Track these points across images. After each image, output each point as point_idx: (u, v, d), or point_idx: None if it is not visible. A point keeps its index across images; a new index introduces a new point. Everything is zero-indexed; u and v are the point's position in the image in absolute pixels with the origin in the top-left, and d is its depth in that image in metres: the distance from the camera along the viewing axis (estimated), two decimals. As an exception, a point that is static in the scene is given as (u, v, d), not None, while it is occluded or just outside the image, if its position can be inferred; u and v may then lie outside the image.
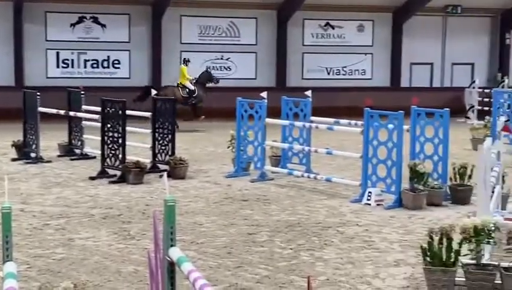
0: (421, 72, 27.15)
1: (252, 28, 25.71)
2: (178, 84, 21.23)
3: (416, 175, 10.50)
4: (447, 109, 11.11)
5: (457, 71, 27.37)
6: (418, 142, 11.24)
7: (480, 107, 23.53)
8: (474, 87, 24.45)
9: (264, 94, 12.80)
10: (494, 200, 8.16)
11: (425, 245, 6.66)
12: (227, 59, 25.67)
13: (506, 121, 10.43)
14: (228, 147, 13.59)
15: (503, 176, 9.61)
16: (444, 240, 6.57)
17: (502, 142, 9.35)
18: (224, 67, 25.70)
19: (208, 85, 21.62)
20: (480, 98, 23.79)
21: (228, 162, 13.70)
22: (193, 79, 21.35)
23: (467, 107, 24.36)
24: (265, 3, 25.29)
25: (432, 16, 26.68)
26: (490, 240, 6.55)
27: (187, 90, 21.03)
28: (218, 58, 25.59)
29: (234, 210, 10.11)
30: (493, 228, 6.52)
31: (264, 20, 25.64)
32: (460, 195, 10.62)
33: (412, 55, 26.78)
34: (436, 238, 6.61)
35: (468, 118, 23.61)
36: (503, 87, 23.42)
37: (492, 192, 7.93)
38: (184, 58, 22.37)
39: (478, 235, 6.44)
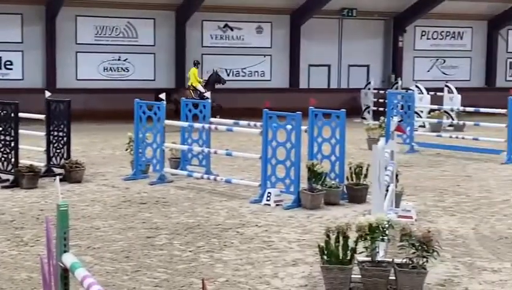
0: (319, 73, 27.68)
1: (150, 29, 25.50)
2: (189, 86, 21.68)
3: (314, 175, 10.68)
4: (344, 109, 11.36)
5: (354, 73, 28.07)
6: (315, 143, 11.44)
7: (375, 108, 24.22)
8: (369, 89, 25.14)
9: (162, 96, 12.70)
10: (388, 198, 8.41)
11: (322, 244, 6.78)
12: (124, 60, 25.35)
13: (399, 122, 10.75)
14: (126, 150, 13.41)
15: (396, 175, 9.93)
16: (341, 238, 6.71)
17: (395, 142, 9.66)
18: (122, 68, 25.36)
19: (216, 86, 22.09)
20: (375, 99, 24.49)
21: (126, 165, 13.52)
22: (204, 81, 21.93)
23: (363, 108, 25.03)
24: (164, 3, 25.13)
25: (328, 19, 27.24)
26: (384, 237, 6.73)
27: (198, 92, 21.35)
28: (115, 60, 25.23)
29: (132, 213, 9.98)
30: (387, 226, 6.71)
31: (162, 20, 25.48)
32: (356, 194, 10.88)
33: (310, 57, 27.25)
34: (333, 237, 6.74)
35: (364, 118, 24.25)
36: (396, 88, 24.17)
37: (387, 190, 8.18)
38: (194, 61, 22.84)
39: (373, 233, 6.61)
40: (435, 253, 6.60)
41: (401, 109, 17.06)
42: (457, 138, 17.27)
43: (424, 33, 28.53)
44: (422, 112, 20.79)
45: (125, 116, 18.19)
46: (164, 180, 12.36)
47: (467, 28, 28.89)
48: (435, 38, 28.67)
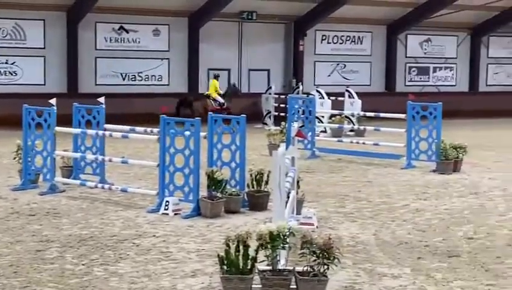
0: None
1: (40, 31, 24.87)
2: (208, 95, 24.08)
3: (214, 182, 10.68)
4: (244, 115, 11.41)
5: (254, 77, 28.28)
6: (215, 149, 11.44)
7: (276, 113, 24.49)
8: (270, 93, 25.39)
9: (53, 101, 12.39)
10: (290, 205, 8.51)
11: (222, 254, 6.78)
12: (12, 63, 24.62)
13: (300, 127, 10.89)
14: (14, 158, 13.01)
15: (297, 181, 10.07)
16: (241, 247, 6.73)
17: (296, 148, 9.78)
18: (10, 72, 24.63)
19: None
20: (276, 104, 24.76)
21: (14, 174, 13.12)
22: (221, 92, 24.17)
23: (264, 113, 25.25)
24: (54, 4, 24.57)
25: (228, 22, 27.35)
26: (285, 246, 6.80)
27: (218, 102, 23.93)
28: (2, 63, 24.47)
29: (21, 226, 9.68)
30: (288, 234, 6.78)
31: (52, 22, 24.90)
32: (257, 201, 10.94)
33: (210, 61, 27.26)
34: (233, 246, 6.75)
35: (266, 124, 24.48)
36: (297, 93, 24.54)
37: (288, 197, 8.27)
38: (215, 74, 25.08)
39: (274, 241, 6.67)
40: (336, 260, 6.72)
41: (302, 114, 17.32)
42: (358, 143, 17.69)
43: (324, 37, 29.08)
44: (323, 117, 21.17)
45: (13, 123, 17.67)
46: (55, 190, 12.05)
47: (366, 33, 29.66)
48: (335, 43, 29.28)
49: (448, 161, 14.91)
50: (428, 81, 30.96)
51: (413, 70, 30.70)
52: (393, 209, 11.25)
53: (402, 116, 16.11)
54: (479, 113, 28.76)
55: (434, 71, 31.12)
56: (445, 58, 31.08)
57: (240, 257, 6.71)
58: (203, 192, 10.71)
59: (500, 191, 12.91)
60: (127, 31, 26.17)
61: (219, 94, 24.32)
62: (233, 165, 11.33)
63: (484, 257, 8.47)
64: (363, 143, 17.56)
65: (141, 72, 26.55)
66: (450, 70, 31.37)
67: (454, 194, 12.62)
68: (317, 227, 9.58)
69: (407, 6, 28.67)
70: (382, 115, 17.66)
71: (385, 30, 29.93)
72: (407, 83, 30.59)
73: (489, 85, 31.61)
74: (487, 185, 13.58)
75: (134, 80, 26.44)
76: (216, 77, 24.84)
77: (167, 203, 10.55)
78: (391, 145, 16.67)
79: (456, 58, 31.27)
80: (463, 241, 9.26)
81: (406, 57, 30.57)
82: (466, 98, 30.29)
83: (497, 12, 29.82)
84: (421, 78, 30.81)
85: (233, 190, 11.00)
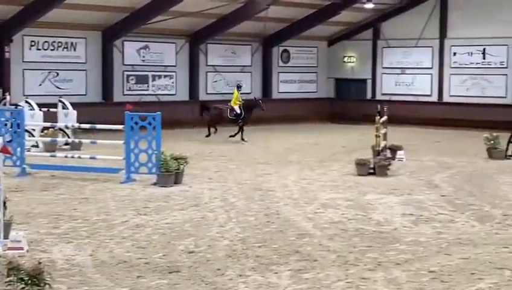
0: None
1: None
2: (230, 105, 25.21)
3: None
4: None
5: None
6: None
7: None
8: (-27, 105, 24.13)
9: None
10: (-6, 229, 8.14)
11: None
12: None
13: (8, 142, 10.48)
14: None
15: (4, 202, 9.66)
16: None
17: (1, 165, 9.39)
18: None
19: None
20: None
21: None
22: (242, 103, 25.08)
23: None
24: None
25: None
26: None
27: (234, 112, 24.93)
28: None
29: None
30: (-8, 260, 6.48)
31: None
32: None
33: None
34: None
35: None
36: (4, 104, 23.56)
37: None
38: (238, 84, 26.07)
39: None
40: (47, 286, 6.55)
41: (10, 127, 16.68)
42: (73, 157, 17.42)
43: (33, 43, 28.19)
44: (34, 130, 20.58)
45: None
46: None
47: (80, 39, 29.27)
48: (46, 49, 28.51)
49: (169, 173, 15.23)
50: (147, 90, 31.33)
51: (132, 79, 30.88)
52: (112, 226, 11.25)
53: (120, 127, 16.14)
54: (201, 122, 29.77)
55: (153, 79, 31.56)
56: (164, 66, 31.69)
57: None
58: None
59: (220, 202, 13.47)
60: None
61: (239, 104, 25.11)
62: None
63: (205, 270, 8.78)
64: (79, 157, 17.32)
65: None
66: (170, 79, 32.03)
67: (175, 207, 12.93)
68: (27, 251, 9.27)
69: (123, 12, 28.79)
70: (99, 126, 17.60)
71: (100, 36, 29.80)
72: (126, 92, 30.64)
73: (209, 93, 32.80)
74: (208, 196, 14.10)
75: None
76: (239, 88, 25.73)
77: None
78: (109, 158, 16.63)
79: (175, 66, 32.02)
80: (184, 255, 9.52)
81: (124, 64, 30.66)
82: (186, 107, 31.19)
83: (214, 20, 31.08)
84: (140, 87, 31.09)
85: None
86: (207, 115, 25.80)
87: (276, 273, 8.72)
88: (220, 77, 33.27)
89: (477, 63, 32.29)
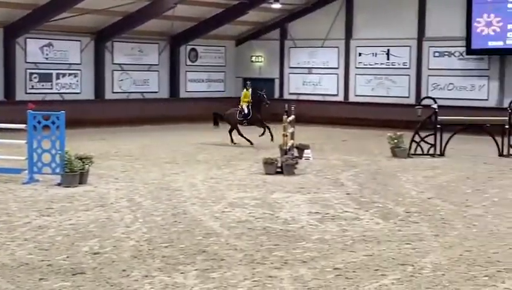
0: None
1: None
2: (241, 105, 24.52)
3: None
4: None
5: None
6: None
7: None
8: None
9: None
10: None
11: None
12: None
13: None
14: None
15: None
16: None
17: None
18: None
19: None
20: None
21: None
22: (250, 102, 24.38)
23: None
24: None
25: None
26: None
27: (243, 114, 24.31)
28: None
29: None
30: None
31: None
32: None
33: None
34: None
35: None
36: None
37: None
38: (246, 83, 25.49)
39: None
40: None
41: None
42: (-27, 157, 16.94)
43: None
44: None
45: None
46: None
47: (-19, 36, 28.55)
48: None
49: (74, 173, 14.97)
50: (51, 88, 30.72)
51: (35, 77, 30.21)
52: (13, 228, 10.99)
53: (22, 126, 15.79)
54: (105, 122, 29.41)
55: (58, 78, 30.96)
56: (69, 64, 31.13)
57: None
58: None
59: (126, 202, 13.34)
60: None
61: (248, 103, 24.51)
62: None
63: (110, 271, 8.67)
64: (-21, 157, 16.85)
65: None
66: (75, 77, 31.49)
67: (80, 207, 12.73)
68: None
69: (26, 8, 28.14)
70: (1, 125, 17.15)
71: (2, 33, 29.07)
72: (28, 91, 29.96)
73: (115, 92, 32.43)
74: (114, 196, 13.93)
75: None
76: (246, 87, 25.17)
77: None
78: (11, 158, 16.27)
79: (80, 64, 31.50)
80: (88, 257, 9.37)
81: (26, 62, 29.98)
82: (92, 106, 30.77)
83: (120, 18, 30.73)
84: (43, 86, 30.42)
85: None
86: (224, 123, 24.77)
87: (182, 273, 8.70)
88: (126, 76, 32.93)
89: (381, 64, 33.02)
